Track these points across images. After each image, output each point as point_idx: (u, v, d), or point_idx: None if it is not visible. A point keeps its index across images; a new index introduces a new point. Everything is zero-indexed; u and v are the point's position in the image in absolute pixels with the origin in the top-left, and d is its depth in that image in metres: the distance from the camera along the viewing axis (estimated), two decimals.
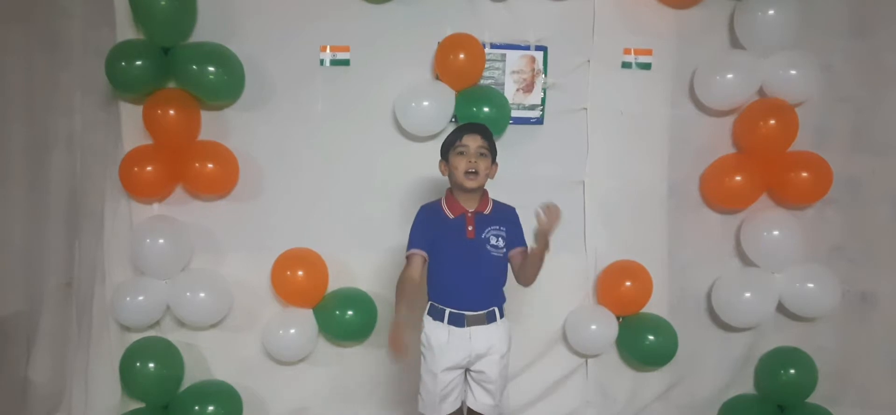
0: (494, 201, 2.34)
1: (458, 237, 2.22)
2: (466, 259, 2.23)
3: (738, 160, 2.99)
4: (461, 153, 2.24)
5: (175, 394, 2.81)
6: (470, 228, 2.23)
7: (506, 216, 2.33)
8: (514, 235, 2.32)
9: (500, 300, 2.32)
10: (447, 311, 2.27)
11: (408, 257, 2.29)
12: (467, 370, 2.34)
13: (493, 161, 2.30)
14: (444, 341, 2.27)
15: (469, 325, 2.26)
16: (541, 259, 2.25)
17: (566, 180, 3.02)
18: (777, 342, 3.10)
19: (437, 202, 2.33)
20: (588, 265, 3.04)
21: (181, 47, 2.72)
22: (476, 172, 2.23)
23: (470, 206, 2.28)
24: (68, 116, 2.97)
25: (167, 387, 2.79)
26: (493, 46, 2.92)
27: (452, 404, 2.34)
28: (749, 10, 2.89)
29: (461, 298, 2.26)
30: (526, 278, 2.30)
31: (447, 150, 2.29)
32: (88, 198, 2.97)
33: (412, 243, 2.29)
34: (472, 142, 2.24)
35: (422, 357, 2.35)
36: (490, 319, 2.28)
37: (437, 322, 2.28)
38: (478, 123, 2.36)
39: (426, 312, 2.33)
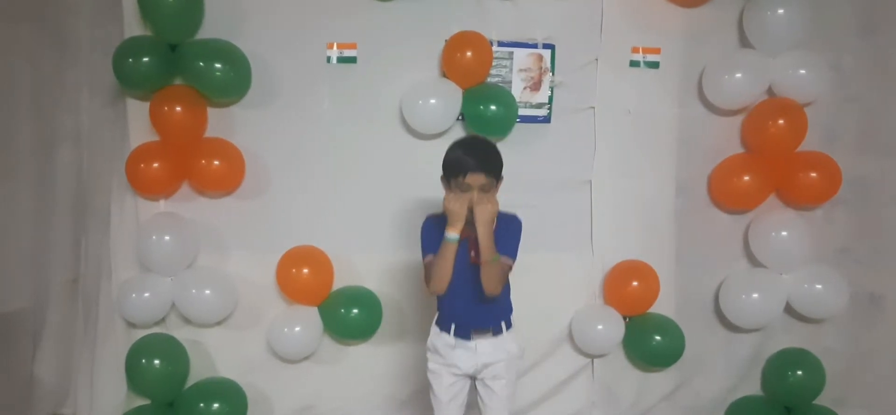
0: (499, 215, 2.17)
1: (461, 261, 2.16)
2: (469, 283, 2.17)
3: (747, 160, 2.98)
4: (464, 189, 2.12)
5: (180, 391, 2.81)
6: (473, 254, 2.17)
7: (506, 227, 2.20)
8: (507, 244, 2.18)
9: (506, 313, 2.30)
10: (453, 325, 2.26)
11: (426, 264, 2.22)
12: (476, 379, 2.33)
13: (499, 178, 2.19)
14: (450, 347, 2.27)
15: (475, 338, 2.25)
16: (484, 265, 2.11)
17: (573, 179, 3.01)
18: (784, 343, 3.08)
19: (442, 215, 2.20)
20: (595, 265, 3.03)
21: (188, 44, 2.72)
22: None
23: (473, 229, 2.16)
24: (75, 112, 2.98)
25: (172, 384, 2.79)
26: (500, 44, 2.91)
27: (458, 409, 2.33)
28: (758, 9, 2.87)
29: (466, 319, 2.25)
30: (483, 280, 2.13)
31: (449, 173, 2.14)
32: (95, 195, 2.98)
33: (427, 250, 2.22)
34: (476, 180, 2.09)
35: (427, 363, 2.35)
36: (496, 332, 2.27)
37: (444, 333, 2.28)
38: (481, 146, 2.17)
39: (434, 321, 2.33)
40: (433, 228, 2.22)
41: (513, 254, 2.20)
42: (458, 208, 2.08)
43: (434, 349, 2.31)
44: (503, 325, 2.28)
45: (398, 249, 2.94)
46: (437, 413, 2.34)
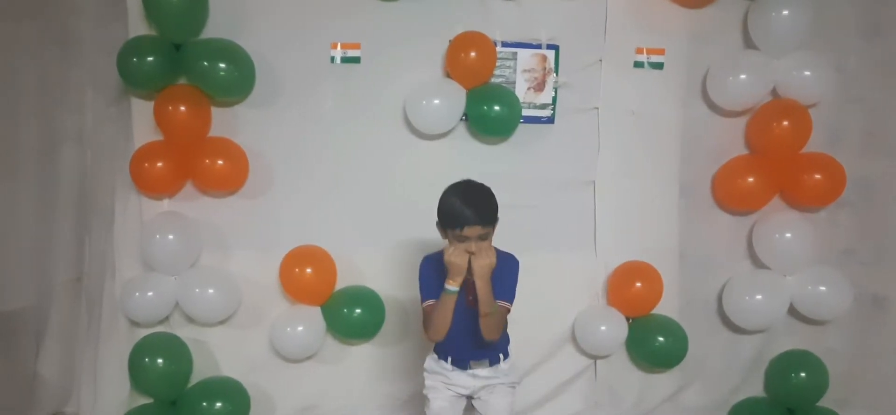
0: (498, 251, 2.13)
1: (458, 303, 2.13)
2: (467, 325, 2.16)
3: (751, 161, 2.98)
4: (461, 240, 2.09)
5: (183, 390, 2.82)
6: (470, 298, 2.15)
7: (504, 268, 2.16)
8: (505, 287, 2.17)
9: (503, 346, 2.31)
10: (450, 358, 2.28)
11: (425, 309, 2.22)
12: (470, 398, 2.34)
13: (495, 224, 2.13)
14: (448, 369, 2.28)
15: (472, 368, 2.27)
16: (483, 317, 2.11)
17: (577, 180, 3.01)
18: (788, 345, 3.08)
19: (440, 255, 2.16)
20: (598, 266, 3.03)
21: (192, 44, 2.72)
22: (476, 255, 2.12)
23: (470, 273, 2.13)
24: (79, 111, 2.98)
25: (175, 383, 2.79)
26: (504, 45, 2.91)
27: None
28: (763, 10, 2.86)
29: (463, 355, 2.26)
30: (482, 328, 2.13)
31: (446, 223, 2.11)
32: (99, 193, 2.98)
33: (426, 295, 2.22)
34: (473, 232, 2.06)
35: (424, 381, 2.35)
36: (493, 362, 2.28)
37: (442, 360, 2.29)
38: (477, 197, 2.11)
39: (432, 348, 2.34)
40: (431, 270, 2.21)
41: (510, 297, 2.19)
42: (459, 262, 2.06)
43: (432, 371, 2.33)
44: (501, 356, 2.29)
45: (401, 249, 2.94)
46: None
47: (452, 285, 2.08)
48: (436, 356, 2.32)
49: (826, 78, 2.91)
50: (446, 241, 2.14)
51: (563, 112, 2.97)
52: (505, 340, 2.31)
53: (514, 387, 2.33)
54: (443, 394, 2.31)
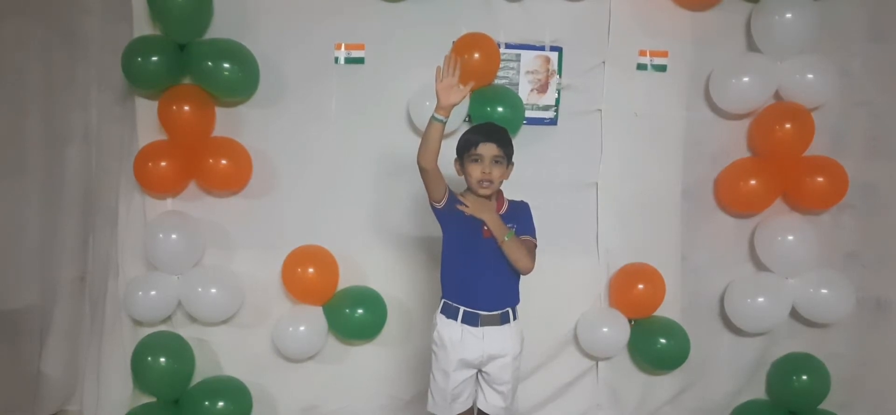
0: (509, 200, 2.34)
1: (474, 236, 2.22)
2: (482, 258, 2.22)
3: (753, 164, 2.97)
4: (475, 161, 2.21)
5: (186, 389, 2.83)
6: (486, 228, 2.22)
7: (518, 212, 2.32)
8: (523, 225, 2.30)
9: (513, 300, 2.32)
10: (461, 310, 2.26)
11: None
12: (479, 371, 2.33)
13: (509, 162, 2.27)
14: (457, 339, 2.26)
15: (483, 325, 2.26)
16: (505, 247, 2.21)
17: (580, 182, 3.01)
18: (790, 348, 3.07)
19: (458, 194, 2.29)
20: (600, 267, 3.03)
21: (197, 44, 2.73)
22: (490, 181, 2.21)
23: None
24: (84, 110, 3.00)
25: (178, 382, 2.80)
26: (507, 46, 2.91)
27: (464, 403, 2.33)
28: (766, 13, 2.86)
29: (476, 298, 2.25)
30: (514, 264, 2.24)
31: (462, 152, 2.26)
32: (103, 192, 3.00)
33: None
34: (488, 151, 2.20)
35: (433, 355, 2.34)
36: (504, 320, 2.28)
37: (451, 320, 2.27)
38: (494, 125, 2.30)
39: (439, 310, 2.32)
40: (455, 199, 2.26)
41: (534, 233, 2.31)
42: (443, 92, 2.09)
43: (441, 344, 2.30)
44: (510, 313, 2.29)
45: (404, 249, 2.95)
46: (441, 410, 2.33)
47: (439, 115, 2.11)
48: (444, 318, 2.29)
49: (830, 81, 2.91)
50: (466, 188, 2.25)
51: (567, 114, 2.98)
52: (515, 296, 2.32)
53: (518, 358, 2.33)
54: (452, 378, 2.28)
